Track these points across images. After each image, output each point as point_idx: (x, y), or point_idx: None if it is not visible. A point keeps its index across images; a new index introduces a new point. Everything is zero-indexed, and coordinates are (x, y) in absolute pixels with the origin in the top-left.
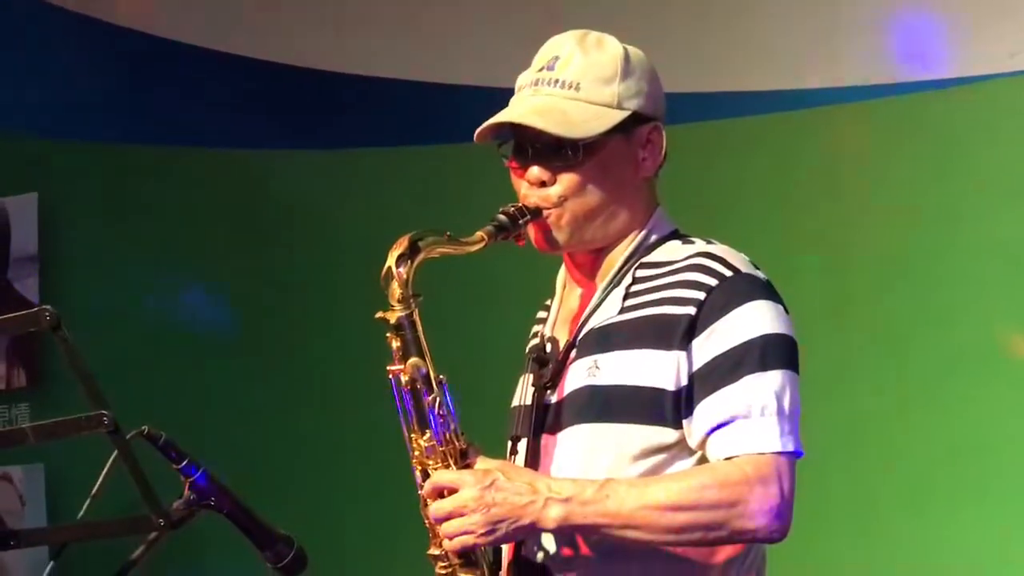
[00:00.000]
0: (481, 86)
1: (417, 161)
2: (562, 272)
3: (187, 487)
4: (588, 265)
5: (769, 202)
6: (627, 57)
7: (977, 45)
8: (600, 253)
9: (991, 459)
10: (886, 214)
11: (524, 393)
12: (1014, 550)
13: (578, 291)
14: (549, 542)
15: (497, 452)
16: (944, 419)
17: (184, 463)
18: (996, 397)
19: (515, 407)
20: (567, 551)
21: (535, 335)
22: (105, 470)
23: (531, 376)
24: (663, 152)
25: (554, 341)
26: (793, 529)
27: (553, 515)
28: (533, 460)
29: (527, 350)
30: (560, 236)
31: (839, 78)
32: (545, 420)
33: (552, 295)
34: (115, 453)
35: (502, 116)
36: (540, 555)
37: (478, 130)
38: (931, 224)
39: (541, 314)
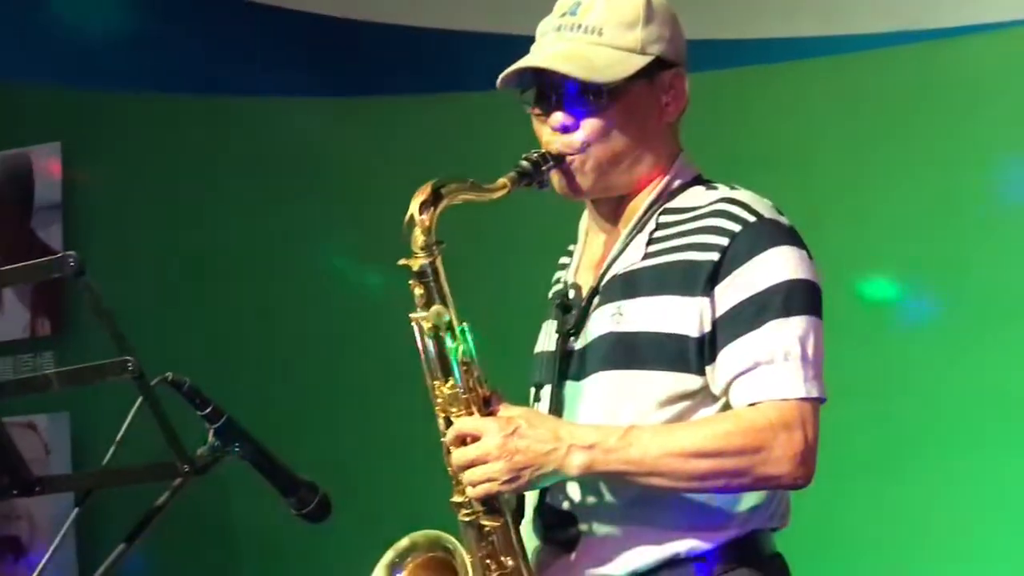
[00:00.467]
0: (499, 33)
1: (436, 109)
2: (585, 218)
3: (211, 433)
4: (611, 211)
5: (788, 149)
6: (649, 2)
7: None
8: (623, 199)
9: (1009, 406)
10: (911, 161)
11: (548, 339)
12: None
13: (601, 237)
14: (574, 490)
15: (521, 399)
16: (972, 368)
17: (208, 409)
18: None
19: (539, 353)
20: (591, 498)
21: (558, 281)
22: (130, 417)
23: (555, 323)
24: (686, 97)
25: (577, 287)
26: (817, 476)
27: (576, 462)
28: (557, 407)
29: (550, 296)
30: (584, 182)
31: (860, 25)
32: (569, 367)
33: (575, 241)
34: (140, 400)
35: (525, 61)
36: (565, 503)
37: (501, 76)
38: (956, 170)
39: (564, 260)
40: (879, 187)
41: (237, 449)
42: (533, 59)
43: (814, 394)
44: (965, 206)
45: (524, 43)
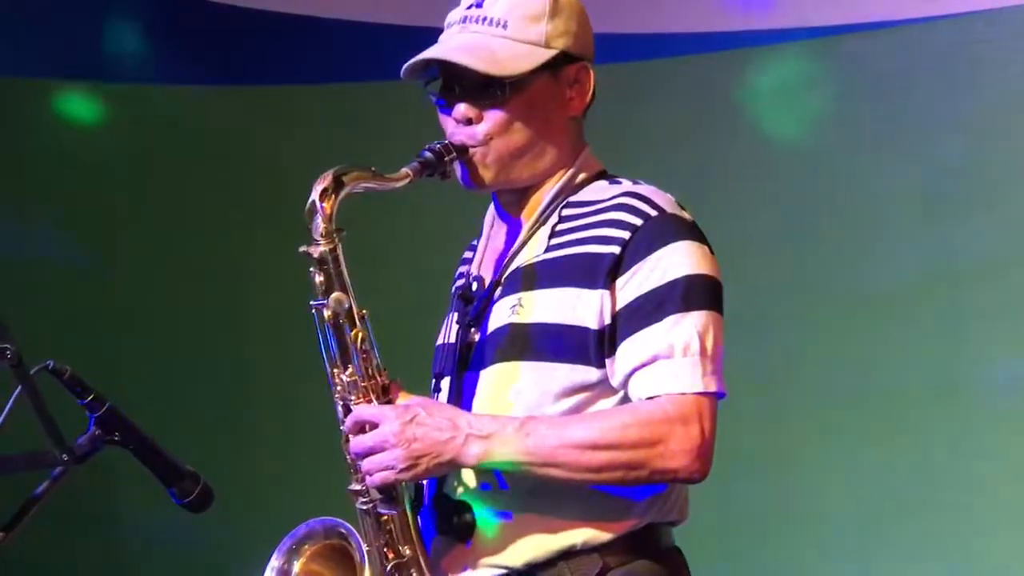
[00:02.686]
0: (404, 24)
1: (340, 98)
2: (490, 210)
3: (92, 422)
4: (514, 204)
5: (689, 143)
6: None
7: None
8: (527, 192)
9: (900, 400)
10: (801, 155)
11: (448, 331)
12: (921, 487)
13: (504, 229)
14: (470, 479)
15: (421, 389)
16: (856, 361)
17: (90, 398)
18: (909, 340)
19: (440, 344)
20: (488, 488)
21: (461, 275)
22: (9, 405)
23: (456, 314)
24: (591, 92)
25: (480, 279)
26: (714, 469)
27: (474, 451)
28: (456, 397)
29: (452, 289)
30: (486, 174)
31: (754, 21)
32: (469, 357)
33: (478, 231)
34: (18, 388)
35: (429, 53)
36: (461, 491)
37: (405, 66)
38: (845, 165)
39: (467, 254)
40: (775, 179)
41: (118, 438)
42: (436, 51)
43: (712, 388)
44: (855, 199)
45: (426, 35)
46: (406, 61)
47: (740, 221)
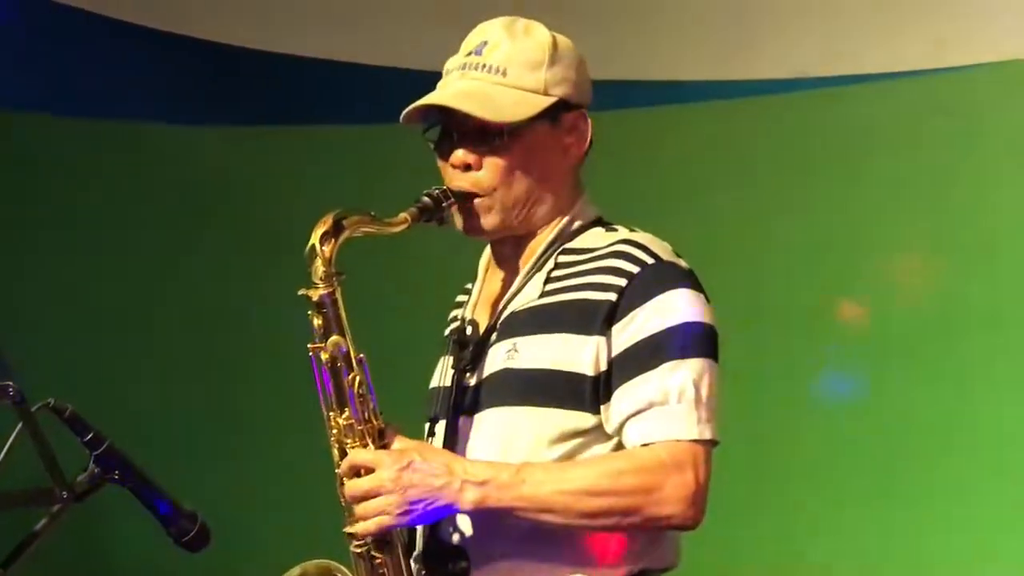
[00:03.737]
0: (404, 67)
1: (338, 141)
2: (485, 255)
3: (92, 460)
4: (511, 250)
5: (687, 191)
6: (555, 44)
7: (897, 41)
8: (524, 238)
9: (901, 449)
10: (804, 206)
11: (443, 375)
12: (922, 537)
13: (500, 275)
14: (464, 524)
15: (416, 433)
16: (855, 409)
17: (89, 436)
18: (909, 390)
19: (434, 388)
20: (482, 534)
21: (455, 318)
22: (10, 442)
23: (451, 358)
24: (589, 139)
25: (475, 324)
26: (708, 516)
27: (469, 498)
28: (451, 442)
29: (447, 333)
30: (487, 222)
31: (758, 70)
32: (463, 402)
33: (474, 278)
34: (20, 425)
35: (429, 99)
36: (455, 537)
37: (405, 112)
38: (846, 218)
39: (461, 298)
40: (771, 229)
41: (117, 476)
42: (436, 97)
43: (707, 436)
44: (856, 250)
45: (434, 78)
46: (405, 104)
47: (743, 270)
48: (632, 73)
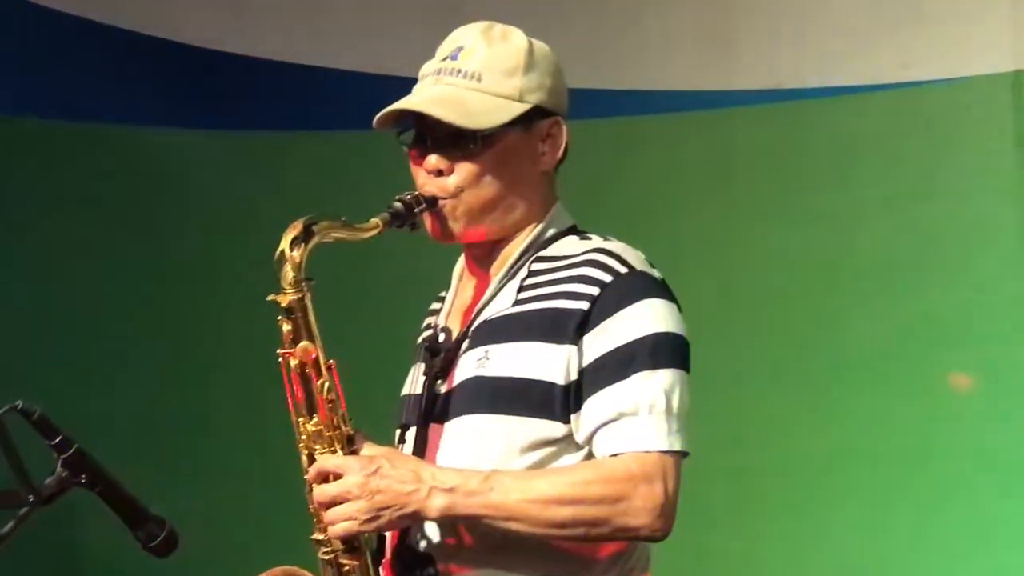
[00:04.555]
0: (377, 73)
1: (310, 146)
2: (460, 263)
3: (60, 464)
4: (484, 257)
5: (662, 200)
6: (531, 50)
7: (871, 55)
8: (497, 245)
9: (872, 463)
10: (779, 217)
11: (415, 382)
12: (889, 551)
13: (473, 282)
14: (433, 531)
15: (387, 440)
16: (828, 423)
17: (58, 439)
18: (880, 404)
19: (405, 395)
20: (451, 541)
21: (427, 327)
22: None
23: (422, 365)
24: (564, 147)
25: (447, 331)
26: (677, 527)
27: (437, 504)
28: (421, 449)
29: (419, 340)
30: (455, 226)
31: (734, 82)
32: (434, 409)
33: (448, 286)
34: None
35: (402, 104)
36: (423, 544)
37: (378, 116)
38: (822, 228)
39: (435, 305)
40: (747, 240)
41: (84, 480)
42: (410, 102)
43: (676, 447)
44: (830, 263)
45: (397, 84)
46: (379, 110)
47: (717, 280)
48: (610, 82)
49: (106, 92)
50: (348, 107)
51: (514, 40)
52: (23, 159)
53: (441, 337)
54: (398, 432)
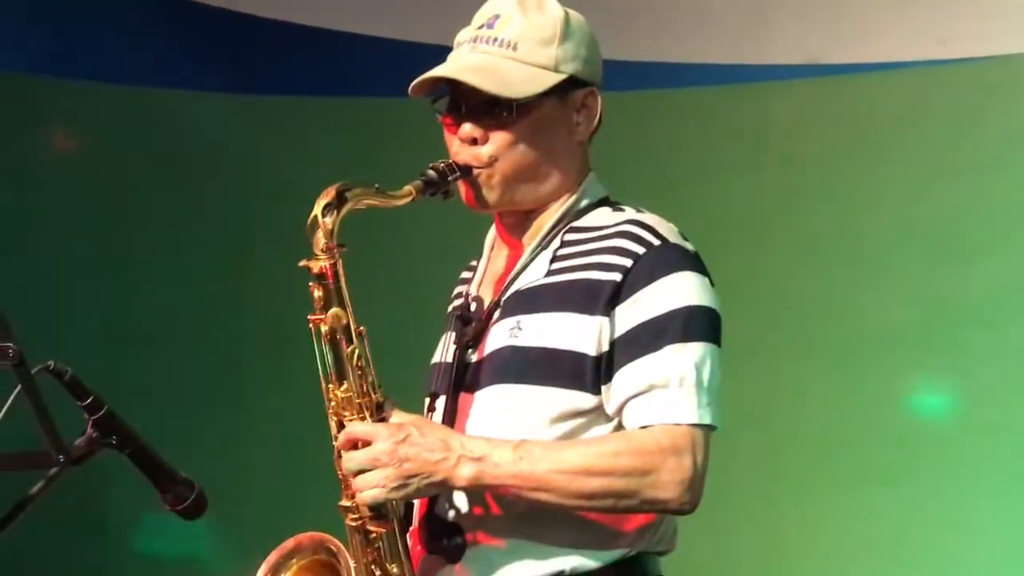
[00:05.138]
0: (414, 41)
1: (351, 113)
2: (492, 232)
3: (90, 425)
4: (517, 226)
5: (693, 173)
6: (567, 20)
7: (907, 30)
8: (530, 215)
9: (882, 443)
10: (810, 192)
11: (445, 350)
12: (906, 528)
13: (506, 251)
14: (461, 500)
15: (417, 408)
16: (841, 401)
17: (88, 400)
18: (904, 381)
19: (435, 363)
20: (479, 510)
21: (459, 295)
22: (8, 404)
23: (453, 334)
24: (598, 117)
25: (479, 300)
26: (707, 500)
27: (465, 473)
28: (451, 418)
29: (450, 309)
30: (490, 195)
31: (768, 56)
32: (465, 378)
33: (480, 255)
34: (18, 387)
35: (438, 71)
36: (452, 513)
37: (413, 83)
38: (852, 204)
39: (466, 274)
40: (778, 214)
41: (114, 442)
42: (445, 69)
43: (706, 421)
44: (860, 239)
45: (444, 52)
46: (415, 77)
47: (743, 254)
48: (643, 54)
49: (141, 55)
50: (386, 74)
51: (550, 10)
52: (56, 120)
53: (473, 306)
54: (428, 400)
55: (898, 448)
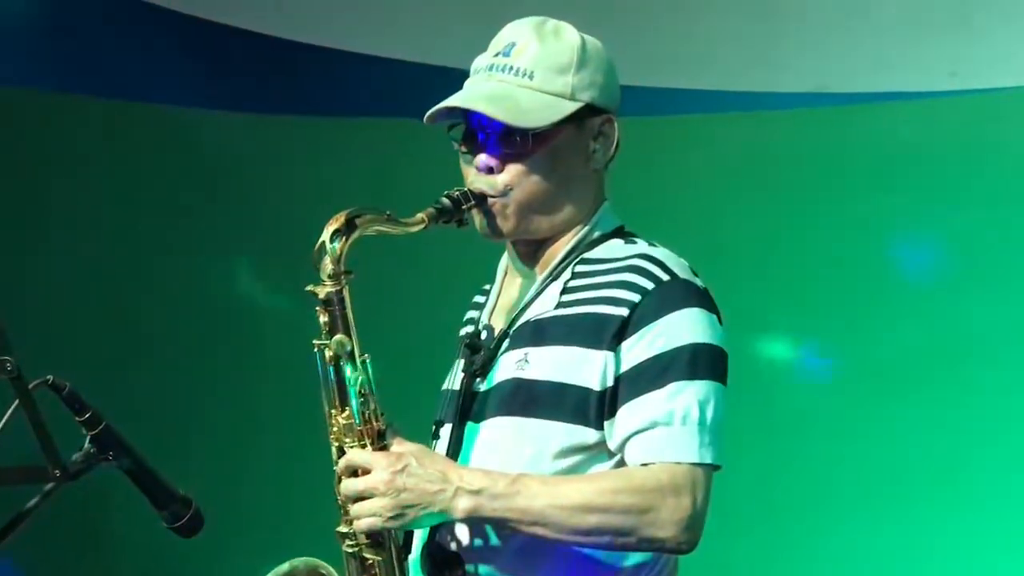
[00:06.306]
0: (429, 63)
1: (360, 133)
2: (504, 258)
3: (88, 440)
4: (530, 254)
5: (700, 201)
6: (584, 47)
7: (918, 61)
8: (543, 243)
9: (908, 474)
10: (818, 222)
11: (454, 378)
12: (908, 559)
13: (518, 280)
14: (463, 531)
15: (422, 434)
16: (864, 431)
17: (87, 415)
18: (916, 414)
19: (445, 390)
20: (480, 542)
21: (470, 320)
22: (5, 418)
23: (462, 361)
24: (615, 145)
25: (489, 329)
26: (708, 537)
27: (462, 506)
28: (455, 447)
29: (461, 333)
30: (504, 225)
31: (776, 84)
32: (471, 408)
33: (488, 279)
34: (16, 401)
35: (453, 100)
36: (453, 543)
37: (429, 112)
38: (858, 233)
39: (478, 299)
40: (786, 243)
41: (112, 457)
42: (461, 98)
43: (708, 460)
44: (869, 269)
45: (459, 75)
46: (427, 99)
47: (748, 282)
48: (652, 80)
49: (154, 73)
50: (397, 96)
51: (566, 37)
52: (74, 137)
53: (483, 334)
54: (433, 427)
55: (915, 481)
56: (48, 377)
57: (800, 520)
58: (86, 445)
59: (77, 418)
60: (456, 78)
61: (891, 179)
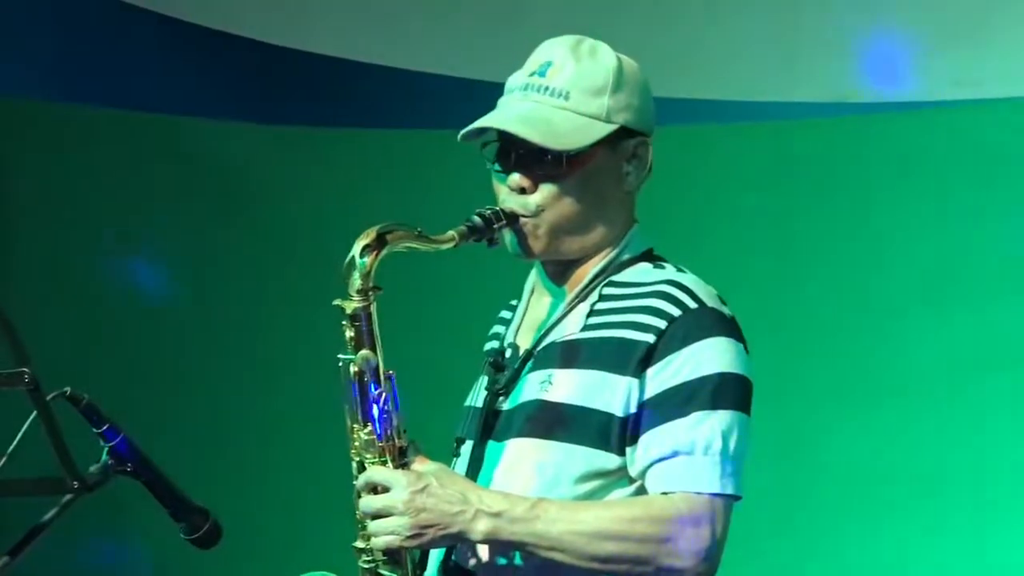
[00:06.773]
0: (452, 75)
1: (383, 145)
2: (532, 275)
3: (106, 452)
4: (559, 274)
5: (720, 211)
6: (620, 69)
7: (936, 70)
8: (573, 264)
9: (920, 490)
10: (838, 231)
11: (477, 395)
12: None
13: (546, 299)
14: (482, 551)
15: (443, 450)
16: (882, 441)
17: (105, 427)
18: (937, 424)
19: (467, 406)
20: (498, 562)
21: (495, 336)
22: (23, 429)
23: (486, 379)
24: (648, 167)
25: (514, 347)
26: (727, 564)
27: (481, 528)
28: (475, 465)
29: (485, 348)
30: (536, 245)
31: (795, 93)
32: (493, 427)
33: (515, 297)
34: (34, 413)
35: (487, 120)
36: (471, 562)
37: (463, 131)
38: (880, 243)
39: (505, 314)
40: (805, 253)
41: (129, 469)
42: (495, 119)
43: (728, 491)
44: (888, 278)
45: (490, 88)
46: (451, 111)
47: (768, 294)
48: (671, 90)
49: (172, 84)
50: (420, 108)
51: (603, 58)
52: (82, 145)
53: (508, 352)
54: (454, 444)
55: (937, 491)
56: (66, 389)
57: (817, 545)
58: (103, 457)
59: (95, 430)
60: (476, 91)
61: (907, 188)
